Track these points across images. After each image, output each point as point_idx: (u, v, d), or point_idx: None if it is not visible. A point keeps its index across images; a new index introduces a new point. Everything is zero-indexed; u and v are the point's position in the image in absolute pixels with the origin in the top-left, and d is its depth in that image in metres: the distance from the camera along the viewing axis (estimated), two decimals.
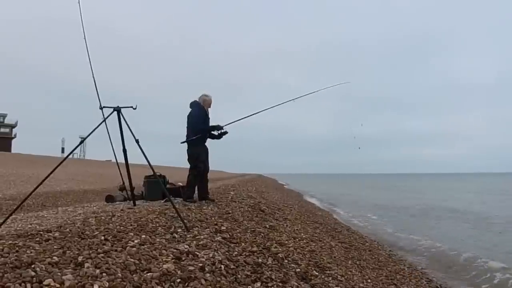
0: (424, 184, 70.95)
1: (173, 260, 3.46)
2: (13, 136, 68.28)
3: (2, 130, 66.88)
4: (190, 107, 7.76)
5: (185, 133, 7.66)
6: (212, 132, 7.72)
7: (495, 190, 48.29)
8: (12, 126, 67.96)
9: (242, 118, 7.98)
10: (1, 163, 31.18)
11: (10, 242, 3.62)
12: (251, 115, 8.07)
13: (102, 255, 3.32)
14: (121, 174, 6.91)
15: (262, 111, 8.14)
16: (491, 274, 8.52)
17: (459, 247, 11.69)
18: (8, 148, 63.64)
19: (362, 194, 41.73)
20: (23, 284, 2.55)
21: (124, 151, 6.07)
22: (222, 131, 7.68)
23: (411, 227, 16.61)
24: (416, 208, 24.90)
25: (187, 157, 7.72)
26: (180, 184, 8.69)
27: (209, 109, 7.84)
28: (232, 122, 7.79)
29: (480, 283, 8.13)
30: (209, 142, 7.83)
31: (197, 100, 7.76)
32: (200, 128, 7.56)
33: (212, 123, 7.72)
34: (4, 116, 67.15)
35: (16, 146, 66.73)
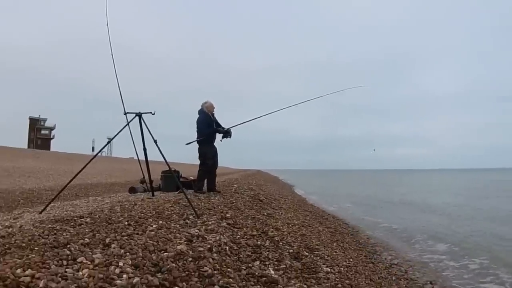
0: (397, 179, 70.58)
1: (185, 242, 3.47)
2: (51, 137, 68.13)
3: (43, 132, 66.72)
4: (198, 114, 7.78)
5: (195, 135, 7.70)
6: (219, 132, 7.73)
7: (457, 186, 48.07)
8: (51, 129, 67.81)
9: (250, 120, 7.92)
10: (42, 160, 31.22)
11: (49, 226, 3.64)
12: (261, 117, 7.95)
13: (126, 237, 3.34)
14: (141, 169, 6.92)
15: (267, 114, 8.05)
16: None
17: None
18: (47, 147, 63.60)
19: (348, 187, 41.53)
20: (60, 261, 2.57)
21: (144, 149, 6.08)
22: (228, 132, 7.68)
23: (382, 213, 16.55)
24: (390, 199, 24.82)
25: (198, 155, 7.76)
26: (192, 178, 8.69)
27: (214, 111, 7.86)
28: (240, 124, 7.82)
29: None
30: (218, 143, 7.85)
31: (202, 108, 7.78)
32: (205, 132, 7.59)
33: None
34: (44, 120, 66.99)
35: (54, 145, 66.60)
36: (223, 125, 7.78)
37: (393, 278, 5.96)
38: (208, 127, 7.60)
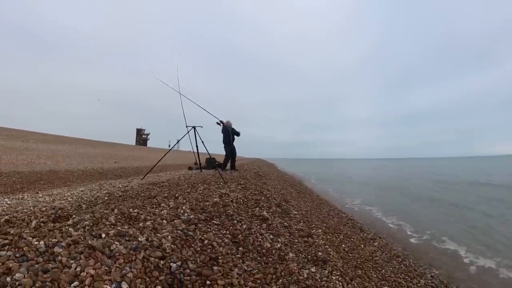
0: (333, 164, 69.89)
1: (218, 197, 3.45)
2: (148, 139, 67.95)
3: (143, 136, 66.47)
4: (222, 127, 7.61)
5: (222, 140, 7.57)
6: (234, 135, 7.46)
7: (364, 167, 47.50)
8: (147, 134, 67.53)
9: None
10: (142, 151, 31.20)
11: (146, 186, 3.66)
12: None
13: (186, 193, 3.35)
14: (195, 157, 6.89)
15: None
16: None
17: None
18: (146, 144, 63.36)
19: (308, 168, 41.26)
20: (152, 205, 2.59)
21: (197, 146, 6.05)
22: (237, 133, 7.32)
23: (332, 183, 16.46)
24: (335, 175, 24.66)
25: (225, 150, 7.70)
26: (221, 162, 8.68)
27: (232, 126, 7.46)
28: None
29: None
30: (236, 143, 7.62)
31: (225, 124, 7.54)
32: (224, 137, 7.42)
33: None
34: (144, 130, 66.83)
35: (149, 143, 66.32)
36: (236, 129, 7.39)
37: (331, 216, 5.94)
38: (227, 134, 7.40)
